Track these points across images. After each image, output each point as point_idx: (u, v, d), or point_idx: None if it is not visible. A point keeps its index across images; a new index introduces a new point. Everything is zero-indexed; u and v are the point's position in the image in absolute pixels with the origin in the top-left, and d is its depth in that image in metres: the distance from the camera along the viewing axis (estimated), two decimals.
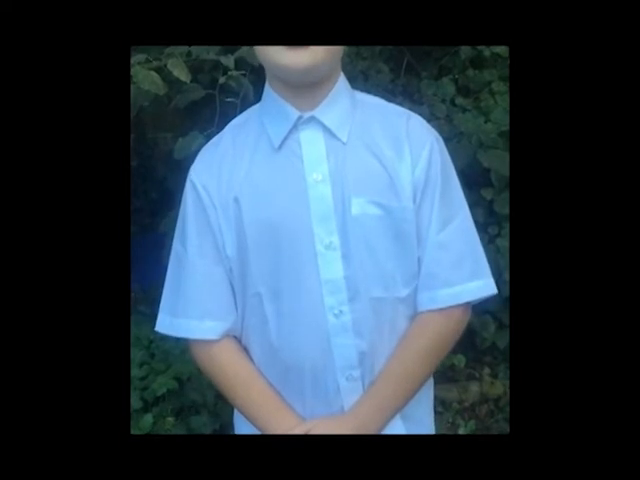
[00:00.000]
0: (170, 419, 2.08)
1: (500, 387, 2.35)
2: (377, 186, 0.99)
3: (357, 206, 0.98)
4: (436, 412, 2.26)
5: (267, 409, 1.02)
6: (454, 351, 2.34)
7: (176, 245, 1.06)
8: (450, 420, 2.28)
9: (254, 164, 1.01)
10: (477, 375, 2.42)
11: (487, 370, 2.42)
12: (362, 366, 1.01)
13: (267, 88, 1.03)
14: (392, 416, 1.02)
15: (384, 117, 1.03)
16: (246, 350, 1.06)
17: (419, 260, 1.02)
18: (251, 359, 1.05)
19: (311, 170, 0.98)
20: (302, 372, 1.01)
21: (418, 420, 1.08)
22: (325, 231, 0.98)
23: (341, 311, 0.98)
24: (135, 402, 2.05)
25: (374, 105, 1.06)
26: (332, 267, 0.98)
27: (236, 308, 1.04)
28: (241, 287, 1.02)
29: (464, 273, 1.02)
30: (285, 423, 1.00)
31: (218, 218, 1.01)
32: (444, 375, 2.37)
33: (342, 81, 1.03)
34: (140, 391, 2.10)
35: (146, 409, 2.10)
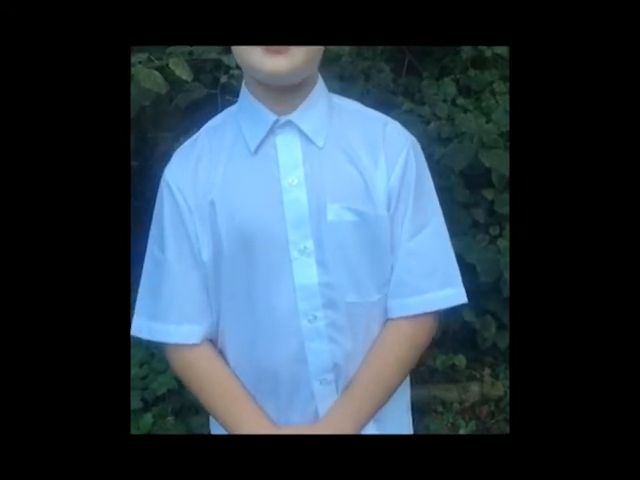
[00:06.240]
0: (170, 419, 2.08)
1: (501, 388, 2.35)
2: (352, 192, 0.98)
3: (332, 212, 0.97)
4: (436, 412, 2.28)
5: (240, 415, 1.01)
6: (455, 351, 2.35)
7: (152, 248, 1.04)
8: (451, 420, 2.27)
9: (230, 167, 0.99)
10: (478, 375, 2.41)
11: (488, 371, 2.42)
12: (336, 370, 1.00)
13: (244, 90, 1.01)
14: (366, 423, 1.02)
15: (361, 122, 1.03)
16: (221, 353, 1.05)
17: (391, 267, 1.02)
18: (226, 362, 1.04)
19: (286, 174, 0.97)
20: (276, 376, 1.00)
21: (393, 422, 1.08)
22: (300, 236, 0.97)
23: (315, 316, 0.98)
24: (135, 402, 2.05)
25: (351, 110, 1.05)
26: (306, 272, 0.97)
27: (212, 311, 1.03)
28: (216, 290, 1.01)
29: (435, 281, 1.01)
30: (259, 430, 0.99)
31: (194, 222, 0.99)
32: (445, 375, 2.37)
33: (320, 85, 1.02)
34: (140, 391, 2.10)
35: (146, 409, 2.10)
